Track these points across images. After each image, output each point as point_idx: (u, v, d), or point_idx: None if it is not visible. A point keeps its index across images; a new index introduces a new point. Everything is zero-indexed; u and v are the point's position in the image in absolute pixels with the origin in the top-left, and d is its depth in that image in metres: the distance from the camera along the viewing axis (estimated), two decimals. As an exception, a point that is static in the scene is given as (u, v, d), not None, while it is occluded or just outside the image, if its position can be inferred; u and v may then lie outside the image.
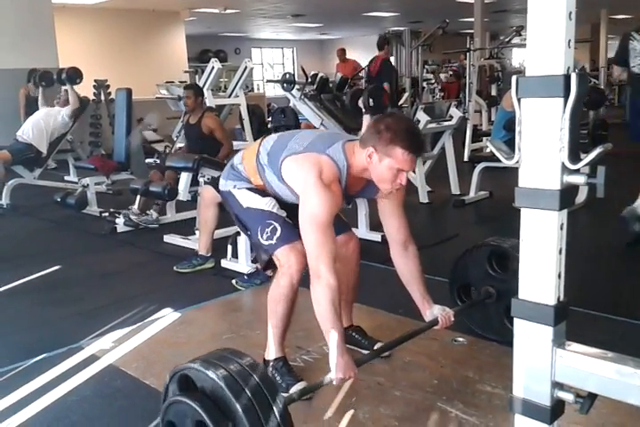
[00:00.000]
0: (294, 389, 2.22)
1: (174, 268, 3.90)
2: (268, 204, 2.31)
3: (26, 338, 2.98)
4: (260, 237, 2.26)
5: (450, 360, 2.52)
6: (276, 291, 2.26)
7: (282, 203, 2.33)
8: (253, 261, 3.70)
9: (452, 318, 2.32)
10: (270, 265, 2.37)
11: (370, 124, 2.17)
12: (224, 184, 2.44)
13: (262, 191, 2.34)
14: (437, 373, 2.42)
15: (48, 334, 2.99)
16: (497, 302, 2.58)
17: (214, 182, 4.05)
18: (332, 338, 1.97)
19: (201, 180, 4.37)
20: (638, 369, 1.21)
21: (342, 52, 11.20)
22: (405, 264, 2.37)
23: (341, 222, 2.44)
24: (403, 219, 2.36)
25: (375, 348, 2.54)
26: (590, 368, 1.27)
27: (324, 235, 2.03)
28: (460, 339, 2.69)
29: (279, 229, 2.24)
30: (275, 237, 2.23)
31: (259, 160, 2.31)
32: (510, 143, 1.31)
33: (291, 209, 2.28)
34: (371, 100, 4.32)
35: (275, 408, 1.55)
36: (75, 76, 6.56)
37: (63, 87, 6.72)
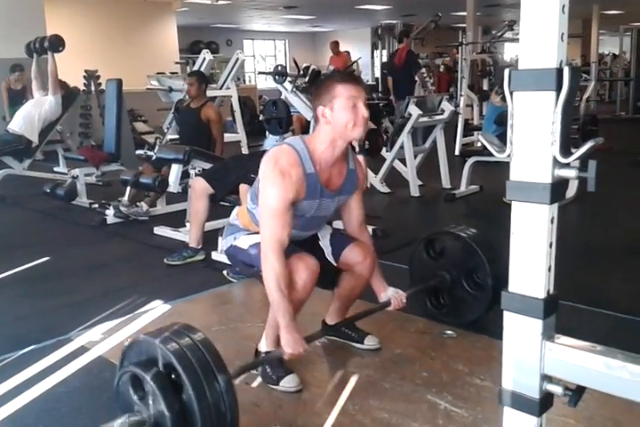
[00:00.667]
0: (285, 381, 2.23)
1: (165, 260, 3.89)
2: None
3: (14, 329, 2.97)
4: (249, 250, 2.28)
5: (439, 353, 2.53)
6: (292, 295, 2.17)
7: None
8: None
9: (404, 300, 2.43)
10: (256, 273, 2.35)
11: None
12: (224, 243, 2.45)
13: None
14: (427, 365, 2.43)
15: (37, 326, 2.98)
16: (450, 288, 2.73)
17: (205, 174, 4.04)
18: (282, 319, 2.05)
19: (192, 171, 4.35)
20: (627, 362, 1.21)
21: (336, 44, 11.14)
22: (360, 256, 2.38)
23: (322, 255, 2.36)
24: (362, 209, 2.41)
25: (365, 342, 2.56)
26: (579, 361, 1.27)
27: (277, 223, 2.07)
28: (450, 332, 2.70)
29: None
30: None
31: (248, 209, 2.34)
32: (502, 137, 1.31)
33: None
34: (366, 143, 4.26)
35: (219, 380, 1.65)
36: (57, 43, 6.47)
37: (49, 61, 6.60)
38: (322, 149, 2.15)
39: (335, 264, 2.37)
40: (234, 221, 2.44)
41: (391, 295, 2.41)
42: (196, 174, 4.19)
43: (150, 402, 1.66)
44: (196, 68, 7.44)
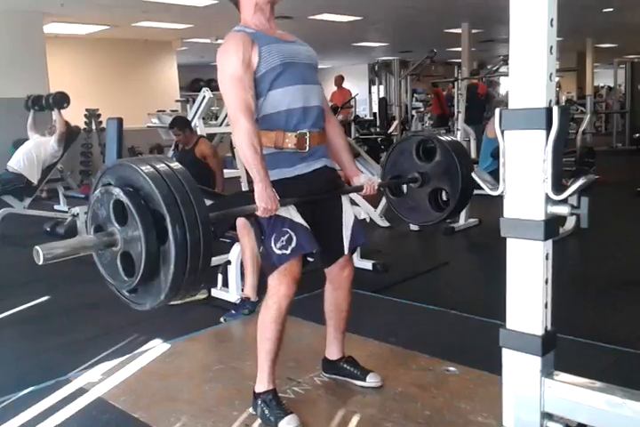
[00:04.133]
0: (284, 422, 2.20)
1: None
2: (287, 210, 2.19)
3: (13, 371, 2.95)
4: (273, 244, 2.18)
5: (442, 390, 2.50)
6: (265, 314, 2.25)
7: (304, 213, 2.23)
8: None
9: (376, 187, 2.44)
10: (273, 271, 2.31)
11: None
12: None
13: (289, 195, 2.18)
14: (429, 404, 2.40)
15: (36, 367, 2.96)
16: (421, 187, 2.71)
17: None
18: (257, 176, 2.05)
19: None
20: (626, 399, 1.21)
21: (341, 78, 11.36)
22: (330, 134, 2.39)
23: (361, 232, 2.42)
24: (322, 92, 2.39)
25: (367, 379, 2.52)
26: (579, 398, 1.27)
27: (238, 87, 2.10)
28: (452, 368, 2.68)
29: (294, 238, 2.17)
30: (290, 247, 2.17)
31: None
32: (497, 172, 1.33)
33: (311, 214, 2.26)
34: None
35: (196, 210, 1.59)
36: (62, 100, 6.58)
37: (54, 115, 6.74)
38: (250, 16, 2.24)
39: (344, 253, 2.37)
40: None
41: (364, 181, 2.41)
42: None
43: (124, 226, 1.60)
44: (195, 105, 7.53)
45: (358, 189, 2.44)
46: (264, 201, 2.04)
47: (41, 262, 1.51)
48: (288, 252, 2.16)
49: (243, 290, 3.66)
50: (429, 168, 2.69)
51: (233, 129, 2.11)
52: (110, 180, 1.66)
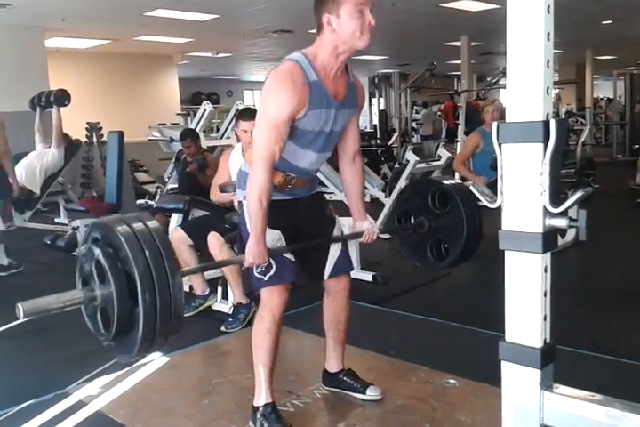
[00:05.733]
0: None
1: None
2: (272, 238, 2.21)
3: (12, 384, 2.94)
4: (253, 267, 2.20)
5: (442, 403, 2.49)
6: (259, 325, 2.26)
7: (286, 229, 2.27)
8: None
9: (375, 237, 2.44)
10: (253, 292, 2.38)
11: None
12: (238, 193, 2.39)
13: (272, 214, 2.16)
14: (429, 416, 2.39)
15: (34, 380, 2.95)
16: (427, 233, 2.65)
17: (187, 226, 4.03)
18: (253, 229, 2.07)
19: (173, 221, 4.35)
20: (626, 412, 1.20)
21: None
22: (352, 176, 2.42)
23: (346, 262, 2.45)
24: (357, 133, 2.40)
25: (367, 392, 2.51)
26: (579, 411, 1.26)
27: (273, 134, 2.04)
28: (452, 381, 2.67)
29: (274, 267, 2.19)
30: (267, 275, 2.20)
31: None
32: (496, 184, 1.33)
33: (294, 231, 2.28)
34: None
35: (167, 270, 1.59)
36: (62, 97, 6.57)
37: (53, 114, 6.71)
38: (324, 55, 2.09)
39: (323, 279, 2.41)
40: (244, 167, 2.34)
41: (365, 228, 2.42)
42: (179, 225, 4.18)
43: (102, 281, 1.64)
44: (196, 118, 7.58)
45: (357, 236, 2.45)
46: (253, 256, 2.06)
47: (22, 318, 1.56)
48: (265, 278, 2.20)
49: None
50: (438, 217, 2.64)
51: (250, 173, 2.10)
52: (97, 235, 1.72)
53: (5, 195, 5.24)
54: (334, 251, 2.40)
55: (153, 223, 1.70)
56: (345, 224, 2.58)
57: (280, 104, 2.01)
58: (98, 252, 1.63)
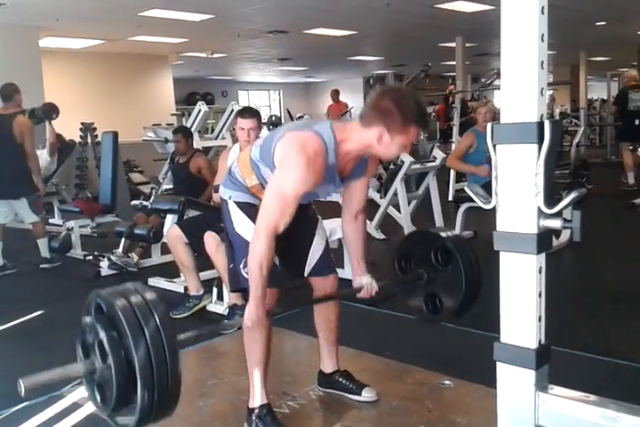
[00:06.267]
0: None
1: (170, 314, 3.80)
2: None
3: (6, 386, 2.89)
4: (241, 266, 2.24)
5: (437, 404, 2.49)
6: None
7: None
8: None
9: (374, 292, 2.43)
10: (240, 291, 2.40)
11: (371, 100, 2.09)
12: (222, 191, 2.38)
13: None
14: (425, 417, 2.39)
15: (29, 382, 2.93)
16: (425, 286, 2.61)
17: (183, 224, 4.03)
18: (254, 294, 2.04)
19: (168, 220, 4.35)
20: (621, 413, 1.21)
21: (336, 92, 11.62)
22: (353, 232, 2.47)
23: (330, 264, 2.49)
24: (365, 193, 2.44)
25: (363, 393, 2.51)
26: (573, 412, 1.26)
27: (282, 207, 2.04)
28: (447, 382, 2.67)
29: None
30: None
31: (251, 158, 2.26)
32: (489, 185, 1.33)
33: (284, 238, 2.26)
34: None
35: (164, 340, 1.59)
36: (50, 111, 6.49)
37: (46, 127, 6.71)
38: (351, 146, 2.12)
39: (304, 275, 2.44)
40: (234, 168, 2.35)
41: (365, 283, 2.41)
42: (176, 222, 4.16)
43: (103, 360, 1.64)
44: (191, 119, 7.55)
45: (357, 291, 2.44)
46: (251, 320, 2.05)
47: (23, 395, 1.56)
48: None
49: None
50: (438, 272, 2.60)
51: (252, 238, 2.09)
52: (101, 303, 1.73)
53: (31, 193, 5.36)
54: (315, 252, 2.43)
55: (152, 297, 1.72)
56: (336, 227, 2.59)
57: (298, 184, 2.03)
58: (102, 334, 1.64)
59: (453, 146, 8.58)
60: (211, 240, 3.55)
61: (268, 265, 2.04)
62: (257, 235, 2.05)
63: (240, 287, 2.31)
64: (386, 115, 2.01)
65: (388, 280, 2.67)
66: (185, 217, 4.47)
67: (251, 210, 2.27)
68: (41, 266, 5.34)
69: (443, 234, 2.65)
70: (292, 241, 2.31)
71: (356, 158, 2.22)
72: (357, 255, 2.48)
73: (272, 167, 2.14)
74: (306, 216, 2.43)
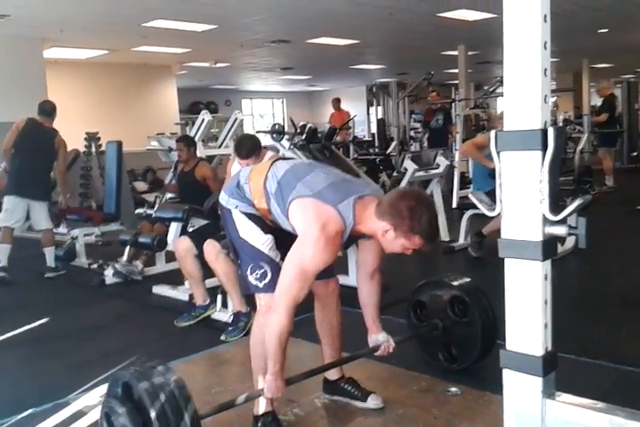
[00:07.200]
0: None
1: (175, 322, 3.82)
2: (264, 243, 2.27)
3: (12, 393, 2.93)
4: (248, 273, 2.28)
5: (443, 412, 2.48)
6: (257, 333, 2.30)
7: (279, 231, 2.32)
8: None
9: (391, 349, 2.48)
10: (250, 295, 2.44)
11: (392, 197, 2.13)
12: (226, 200, 2.38)
13: (262, 222, 2.29)
14: (431, 425, 2.38)
15: (35, 389, 2.94)
16: (440, 335, 2.77)
17: (193, 234, 4.04)
18: (272, 367, 2.10)
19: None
20: (628, 420, 1.20)
21: (338, 101, 11.68)
22: (368, 291, 2.46)
23: (329, 268, 2.43)
24: (380, 253, 2.41)
25: (368, 400, 2.51)
26: (581, 419, 1.26)
27: (301, 283, 2.08)
28: (454, 389, 2.66)
29: (269, 275, 2.24)
30: (263, 282, 2.25)
31: (266, 187, 2.27)
32: (494, 192, 1.33)
33: (287, 236, 2.29)
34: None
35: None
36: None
37: None
38: (362, 229, 2.17)
39: None
40: (244, 184, 2.35)
41: (382, 341, 2.46)
42: (185, 233, 4.18)
43: None
44: (195, 128, 7.57)
45: (374, 351, 2.50)
46: (271, 392, 2.13)
47: None
48: (261, 285, 2.25)
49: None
50: (454, 323, 2.75)
51: (272, 311, 2.14)
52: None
53: (49, 199, 5.67)
54: None
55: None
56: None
57: (319, 261, 2.08)
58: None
59: (456, 154, 8.58)
60: (210, 248, 3.56)
61: (286, 339, 2.10)
62: (276, 308, 2.10)
63: (250, 292, 2.32)
64: (397, 216, 2.06)
65: (404, 335, 2.73)
66: (191, 227, 4.48)
67: (257, 219, 2.30)
68: (46, 275, 5.36)
69: (455, 283, 2.73)
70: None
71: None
72: (372, 313, 2.49)
73: (285, 213, 2.20)
74: None
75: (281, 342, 2.08)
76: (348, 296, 2.59)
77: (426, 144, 11.17)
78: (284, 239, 2.28)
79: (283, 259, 2.27)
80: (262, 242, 2.27)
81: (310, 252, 2.06)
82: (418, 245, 2.10)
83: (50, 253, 5.43)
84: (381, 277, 2.49)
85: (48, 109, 5.63)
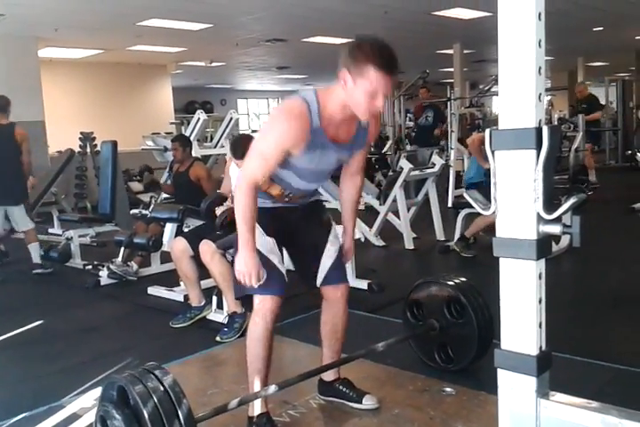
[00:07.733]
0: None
1: (170, 323, 3.80)
2: (263, 245, 2.24)
3: (6, 396, 2.91)
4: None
5: (438, 412, 2.47)
6: (252, 331, 2.28)
7: (282, 233, 2.32)
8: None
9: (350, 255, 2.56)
10: (243, 298, 2.42)
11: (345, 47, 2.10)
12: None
13: (267, 222, 2.27)
14: (426, 425, 2.37)
15: (29, 392, 2.92)
16: (437, 336, 2.77)
17: (188, 235, 4.02)
18: (243, 239, 2.12)
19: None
20: (622, 419, 1.20)
21: None
22: (348, 189, 2.50)
23: (341, 272, 2.47)
24: (363, 158, 2.45)
25: (363, 401, 2.50)
26: (575, 419, 1.26)
27: (260, 166, 2.11)
28: (449, 389, 2.65)
29: (264, 276, 2.20)
30: (258, 283, 2.21)
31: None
32: (484, 187, 1.33)
33: (290, 235, 2.32)
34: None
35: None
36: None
37: None
38: (332, 108, 2.11)
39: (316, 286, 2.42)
40: None
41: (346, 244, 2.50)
42: (180, 234, 4.16)
43: None
44: (190, 127, 7.58)
45: (373, 351, 2.60)
46: (246, 266, 2.12)
47: None
48: (255, 286, 2.20)
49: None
50: (450, 324, 2.75)
51: (236, 192, 2.16)
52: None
53: (25, 200, 5.56)
54: (327, 259, 2.39)
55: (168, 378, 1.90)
56: (339, 232, 2.58)
57: (276, 141, 2.08)
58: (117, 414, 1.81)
59: (452, 153, 8.59)
60: (206, 248, 3.54)
61: (251, 214, 2.11)
62: (239, 190, 2.13)
63: (244, 294, 2.31)
64: (348, 55, 2.02)
65: (400, 335, 2.76)
66: (186, 227, 4.46)
67: (263, 217, 2.26)
68: (33, 271, 5.34)
69: (451, 283, 2.73)
70: (304, 252, 2.38)
71: (348, 124, 2.18)
72: (349, 211, 2.53)
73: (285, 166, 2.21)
74: (319, 220, 2.45)
75: (245, 217, 2.10)
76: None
77: (407, 142, 10.52)
78: (288, 240, 2.32)
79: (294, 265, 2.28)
80: (260, 243, 2.22)
81: (270, 133, 2.13)
82: (377, 81, 1.98)
83: (35, 249, 5.40)
84: (363, 177, 2.54)
85: (3, 104, 5.41)
